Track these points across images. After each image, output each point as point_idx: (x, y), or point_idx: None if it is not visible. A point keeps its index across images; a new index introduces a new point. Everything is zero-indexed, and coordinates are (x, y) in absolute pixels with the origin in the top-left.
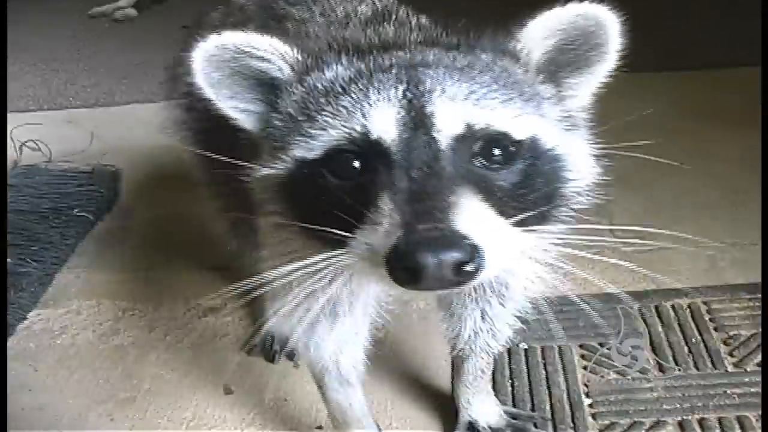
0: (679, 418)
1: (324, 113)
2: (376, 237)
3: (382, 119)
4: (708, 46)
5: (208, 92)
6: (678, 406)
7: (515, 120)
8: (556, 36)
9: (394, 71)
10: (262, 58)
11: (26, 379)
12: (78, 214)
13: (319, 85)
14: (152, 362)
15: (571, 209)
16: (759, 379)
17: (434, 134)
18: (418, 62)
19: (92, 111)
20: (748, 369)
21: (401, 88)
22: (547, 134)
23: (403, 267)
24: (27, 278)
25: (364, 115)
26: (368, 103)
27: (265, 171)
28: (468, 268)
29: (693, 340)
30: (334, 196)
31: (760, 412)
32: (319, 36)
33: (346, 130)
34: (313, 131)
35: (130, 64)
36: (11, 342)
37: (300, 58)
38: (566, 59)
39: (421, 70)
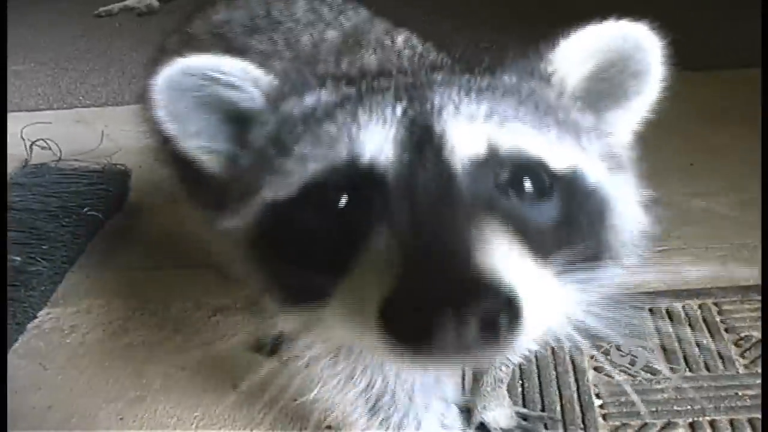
0: (690, 420)
1: (301, 143)
2: (368, 284)
3: (375, 139)
4: (714, 47)
5: (171, 128)
6: (689, 407)
7: (551, 147)
8: (594, 58)
9: (391, 91)
10: (232, 86)
11: (36, 378)
12: (88, 213)
13: (296, 112)
14: (162, 361)
15: (616, 262)
16: None
17: (445, 156)
18: (423, 82)
19: (102, 110)
20: (760, 371)
21: (400, 106)
22: (590, 169)
23: (406, 323)
24: (37, 277)
25: (350, 139)
26: (357, 126)
27: (229, 222)
28: (502, 322)
29: (704, 341)
30: (315, 242)
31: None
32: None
33: (329, 159)
34: (287, 166)
35: (140, 64)
36: (21, 340)
37: (276, 83)
38: (603, 89)
39: (427, 89)
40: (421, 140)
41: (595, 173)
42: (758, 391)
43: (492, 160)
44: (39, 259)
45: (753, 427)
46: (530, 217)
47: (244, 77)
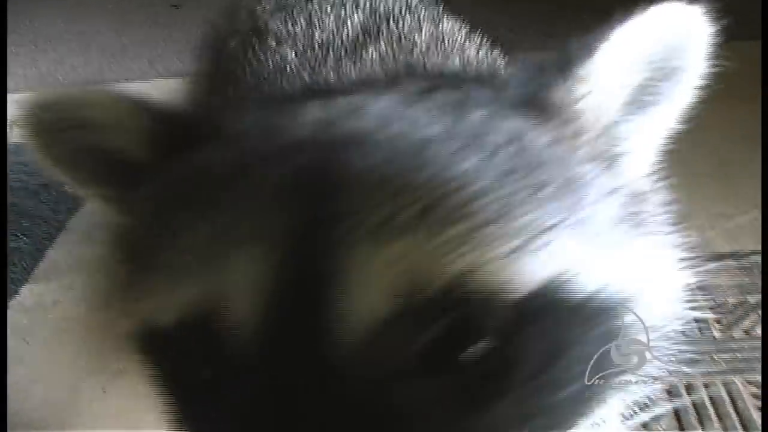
0: (666, 384)
1: (174, 246)
2: None
3: (240, 282)
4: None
5: (57, 174)
6: (664, 372)
7: (520, 253)
8: (652, 63)
9: (286, 155)
10: (100, 128)
11: (19, 354)
12: (68, 189)
13: (179, 181)
14: None
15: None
16: (745, 345)
17: (353, 323)
18: (335, 136)
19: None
20: (735, 336)
21: (285, 208)
22: (589, 264)
23: None
24: (18, 253)
25: (205, 272)
26: (212, 252)
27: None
28: None
29: None
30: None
31: (745, 377)
32: (293, 70)
33: (196, 291)
34: (157, 278)
35: (120, 43)
36: None
37: (159, 125)
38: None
39: (333, 159)
40: (310, 292)
41: (597, 267)
42: (733, 354)
43: (410, 315)
44: (19, 235)
45: (728, 389)
46: (485, 397)
47: (107, 115)
